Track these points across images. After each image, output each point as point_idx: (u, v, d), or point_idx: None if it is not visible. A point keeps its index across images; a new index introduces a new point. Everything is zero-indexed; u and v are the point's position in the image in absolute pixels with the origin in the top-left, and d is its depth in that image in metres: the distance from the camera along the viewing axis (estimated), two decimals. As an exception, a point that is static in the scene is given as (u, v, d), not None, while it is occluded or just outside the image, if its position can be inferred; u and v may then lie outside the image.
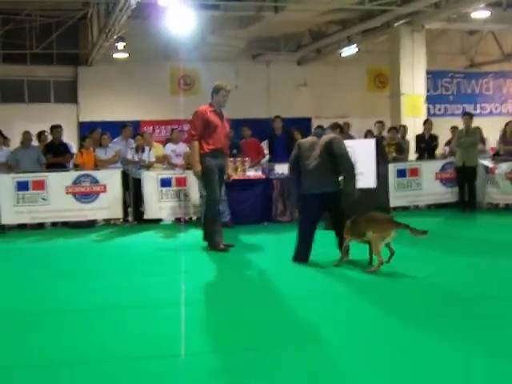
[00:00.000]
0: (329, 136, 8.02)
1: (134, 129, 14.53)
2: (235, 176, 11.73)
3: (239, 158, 12.58)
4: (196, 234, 11.19)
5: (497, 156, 14.38)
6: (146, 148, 13.34)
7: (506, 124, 14.88)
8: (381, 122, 15.41)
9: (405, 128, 15.40)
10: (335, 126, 8.75)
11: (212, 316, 5.61)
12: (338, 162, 7.83)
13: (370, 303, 5.88)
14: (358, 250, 7.73)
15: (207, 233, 9.21)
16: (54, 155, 13.32)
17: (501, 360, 4.23)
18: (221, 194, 9.41)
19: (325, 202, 7.92)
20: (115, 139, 13.73)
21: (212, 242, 9.07)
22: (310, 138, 8.30)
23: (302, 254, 7.98)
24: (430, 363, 4.18)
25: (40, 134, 13.94)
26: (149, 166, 13.22)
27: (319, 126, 9.16)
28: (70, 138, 16.18)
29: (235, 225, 11.68)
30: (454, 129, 14.93)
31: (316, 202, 8.00)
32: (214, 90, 9.11)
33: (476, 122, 14.10)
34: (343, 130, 8.66)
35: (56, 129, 13.60)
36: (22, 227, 12.76)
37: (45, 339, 5.01)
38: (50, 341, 4.96)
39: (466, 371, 4.04)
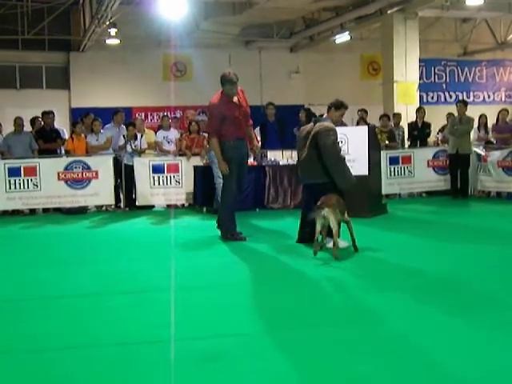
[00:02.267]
0: (319, 126, 7.97)
1: (126, 115, 14.46)
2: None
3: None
4: (188, 220, 11.23)
5: (490, 144, 14.38)
6: (138, 134, 13.30)
7: (499, 112, 14.91)
8: (363, 110, 15.29)
9: (399, 116, 15.35)
10: (339, 105, 8.40)
11: (203, 301, 5.60)
12: (322, 155, 7.81)
13: (364, 289, 5.89)
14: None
15: (223, 222, 8.93)
16: (46, 141, 13.27)
17: (498, 340, 4.26)
18: (244, 182, 9.19)
19: (314, 193, 7.90)
20: (107, 125, 13.67)
21: (228, 232, 8.83)
22: (308, 126, 8.29)
23: (300, 235, 8.22)
24: (430, 347, 4.21)
25: (33, 120, 13.85)
26: (141, 153, 13.19)
27: (321, 115, 9.07)
28: (62, 124, 16.11)
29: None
30: (449, 115, 14.91)
31: (308, 191, 8.05)
32: (221, 82, 8.66)
33: (469, 110, 14.09)
34: (346, 106, 8.43)
35: (47, 115, 13.54)
36: (15, 213, 12.70)
37: (34, 325, 4.99)
38: (40, 326, 4.95)
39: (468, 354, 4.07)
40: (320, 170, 7.86)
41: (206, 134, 10.58)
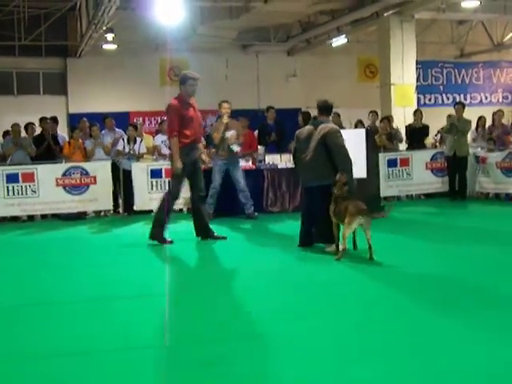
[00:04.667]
0: (326, 127, 7.97)
1: (123, 120, 14.47)
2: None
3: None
4: (186, 225, 11.21)
5: (491, 141, 14.24)
6: (138, 139, 13.32)
7: (494, 113, 14.95)
8: (374, 112, 15.40)
9: (391, 118, 15.35)
10: (327, 108, 8.34)
11: (197, 306, 5.60)
12: (333, 155, 7.83)
13: (362, 290, 5.89)
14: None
15: (156, 221, 8.99)
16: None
17: (498, 341, 4.27)
18: (201, 185, 9.22)
19: (319, 195, 7.91)
20: (102, 131, 13.67)
21: (155, 232, 8.92)
22: (307, 128, 8.28)
23: (301, 239, 8.24)
24: (428, 348, 4.23)
25: (27, 126, 13.78)
26: (139, 157, 13.19)
27: (314, 117, 9.08)
28: (60, 130, 16.06)
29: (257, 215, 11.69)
30: (449, 117, 14.91)
31: (312, 194, 8.04)
32: (181, 81, 8.92)
33: (466, 112, 14.10)
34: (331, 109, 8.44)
35: (43, 121, 13.55)
36: (13, 219, 12.67)
37: (29, 331, 5.00)
38: (35, 332, 4.95)
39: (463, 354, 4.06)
40: (328, 171, 7.86)
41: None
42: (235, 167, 11.61)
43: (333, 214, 7.63)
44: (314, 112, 9.60)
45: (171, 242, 8.95)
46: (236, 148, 11.49)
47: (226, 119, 11.49)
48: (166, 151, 13.63)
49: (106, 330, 4.93)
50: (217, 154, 11.62)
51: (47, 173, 12.51)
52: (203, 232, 9.17)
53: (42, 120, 13.62)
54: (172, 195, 9.01)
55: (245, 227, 10.77)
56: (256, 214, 11.65)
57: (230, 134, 11.45)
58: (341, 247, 7.35)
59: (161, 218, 8.96)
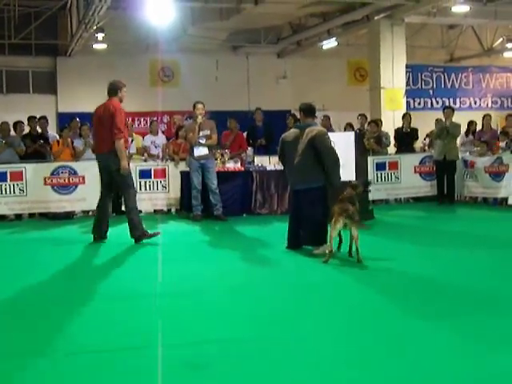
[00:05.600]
0: (313, 130, 7.99)
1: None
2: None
3: (219, 150, 12.57)
4: (175, 226, 11.21)
5: (483, 144, 14.24)
6: (129, 139, 13.26)
7: (483, 117, 15.02)
8: (363, 115, 15.44)
9: (379, 122, 15.39)
10: (311, 110, 8.36)
11: (189, 307, 5.60)
12: (323, 158, 7.85)
13: (347, 293, 5.90)
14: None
15: (137, 224, 9.18)
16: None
17: (486, 345, 4.28)
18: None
19: (308, 198, 7.94)
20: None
21: (137, 233, 9.15)
22: (293, 131, 8.30)
23: (289, 241, 8.26)
24: (420, 352, 4.26)
25: (16, 125, 13.72)
26: (129, 158, 13.14)
27: (297, 120, 9.11)
28: (49, 129, 16.00)
29: (226, 217, 11.68)
30: (437, 121, 14.98)
31: (300, 197, 8.06)
32: (117, 87, 9.22)
33: (456, 116, 14.15)
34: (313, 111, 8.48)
35: (33, 120, 13.50)
36: (1, 218, 12.61)
37: (17, 332, 4.97)
38: (26, 332, 4.93)
39: (453, 358, 4.07)
40: (317, 173, 7.90)
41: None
42: (208, 168, 11.61)
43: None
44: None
45: (159, 233, 9.32)
46: (202, 150, 11.50)
47: (200, 120, 11.63)
48: (155, 152, 13.65)
49: (95, 331, 4.92)
50: (191, 154, 11.66)
51: (35, 172, 12.47)
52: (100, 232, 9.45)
53: (31, 119, 13.57)
54: (135, 192, 9.39)
55: (232, 228, 10.76)
56: (226, 217, 11.68)
57: (201, 134, 11.51)
58: (328, 249, 7.35)
59: (135, 217, 9.16)
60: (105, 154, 9.15)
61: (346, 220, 7.15)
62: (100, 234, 9.43)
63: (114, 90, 9.18)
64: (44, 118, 14.06)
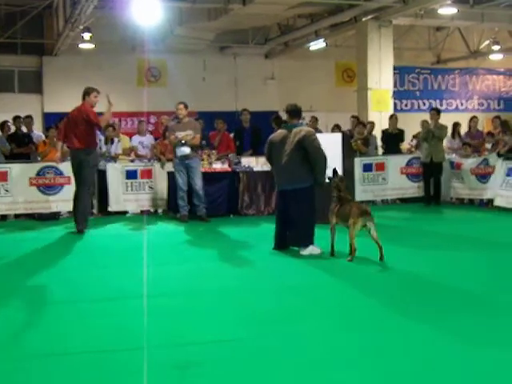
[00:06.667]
0: (300, 130, 8.00)
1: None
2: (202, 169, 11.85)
3: (206, 151, 12.54)
4: (162, 227, 11.17)
5: (467, 146, 14.30)
6: (115, 139, 13.24)
7: (470, 119, 15.07)
8: (355, 117, 15.47)
9: (372, 124, 15.47)
10: (297, 111, 8.39)
11: (175, 309, 5.57)
12: (311, 158, 7.86)
13: (335, 294, 5.89)
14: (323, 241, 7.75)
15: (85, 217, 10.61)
16: (18, 146, 13.13)
17: (473, 344, 4.30)
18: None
19: (295, 198, 7.94)
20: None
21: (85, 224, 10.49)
22: (280, 132, 8.29)
23: (276, 242, 8.26)
24: (413, 350, 4.29)
25: (3, 125, 13.66)
26: (115, 158, 13.10)
27: (284, 121, 9.09)
28: (35, 129, 15.92)
29: (210, 218, 11.64)
30: (423, 123, 15.03)
31: (287, 197, 8.05)
32: (90, 90, 10.69)
33: (442, 118, 14.19)
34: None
35: (18, 119, 13.42)
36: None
37: (7, 333, 4.93)
38: (10, 335, 4.88)
39: (443, 357, 4.07)
40: (304, 174, 7.92)
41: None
42: (192, 168, 11.57)
43: (335, 215, 7.67)
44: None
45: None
46: (184, 150, 11.47)
47: (185, 120, 11.70)
48: (143, 152, 13.61)
49: (82, 332, 4.90)
50: (175, 155, 11.64)
51: (21, 172, 12.37)
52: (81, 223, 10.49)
53: (16, 119, 13.48)
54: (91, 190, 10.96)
55: (219, 229, 10.73)
56: (209, 218, 11.66)
57: (183, 134, 11.47)
58: (352, 248, 7.40)
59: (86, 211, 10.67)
60: (78, 150, 10.38)
61: (366, 221, 7.26)
62: (81, 226, 10.39)
63: (84, 94, 10.67)
64: (29, 117, 14.01)
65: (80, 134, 10.40)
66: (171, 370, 4.05)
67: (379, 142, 15.20)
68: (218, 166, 12.56)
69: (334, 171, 8.03)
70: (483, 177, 13.14)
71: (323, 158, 7.92)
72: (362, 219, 7.28)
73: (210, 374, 3.98)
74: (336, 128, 14.75)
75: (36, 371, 4.11)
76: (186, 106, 11.71)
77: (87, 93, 10.63)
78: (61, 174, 12.52)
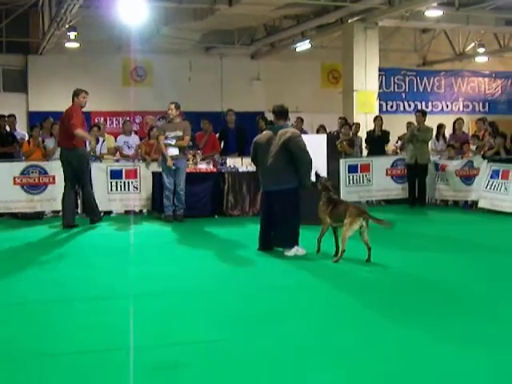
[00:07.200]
0: (286, 132, 8.01)
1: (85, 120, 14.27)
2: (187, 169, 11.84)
3: (191, 151, 12.52)
4: (146, 227, 11.15)
5: (451, 148, 14.34)
6: (100, 139, 13.19)
7: (455, 121, 15.14)
8: (343, 118, 15.50)
9: (357, 125, 15.52)
10: (284, 112, 8.36)
11: (162, 308, 5.56)
12: (296, 159, 7.87)
13: (319, 296, 5.89)
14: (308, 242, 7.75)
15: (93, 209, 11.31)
16: (2, 145, 13.05)
17: (461, 344, 4.31)
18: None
19: (280, 199, 7.95)
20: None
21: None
22: (265, 134, 8.30)
23: (261, 243, 8.27)
24: (398, 350, 4.31)
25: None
26: (100, 158, 13.05)
27: (271, 122, 9.11)
28: (20, 128, 15.83)
29: (186, 218, 11.61)
30: (409, 124, 15.08)
31: (272, 198, 8.05)
32: (79, 91, 10.85)
33: (427, 120, 14.25)
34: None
35: (1, 118, 13.34)
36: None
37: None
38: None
39: (430, 355, 4.08)
40: (289, 175, 7.93)
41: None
42: (177, 168, 11.55)
43: (327, 216, 7.67)
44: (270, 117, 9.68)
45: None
46: (172, 151, 11.46)
47: (176, 120, 11.68)
48: (128, 152, 13.56)
49: (67, 332, 4.88)
50: (163, 155, 11.63)
51: (4, 171, 12.28)
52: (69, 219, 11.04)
53: (0, 118, 13.40)
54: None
55: (204, 230, 10.72)
56: (185, 219, 11.64)
57: (172, 134, 11.47)
58: (341, 249, 7.42)
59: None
60: (66, 149, 10.90)
61: (364, 222, 7.29)
62: (69, 221, 10.94)
63: (73, 95, 10.88)
64: (13, 115, 13.93)
65: (65, 133, 10.81)
66: (158, 370, 4.05)
67: (363, 144, 15.24)
68: (203, 167, 12.54)
69: (317, 174, 8.06)
70: (468, 179, 13.20)
71: (308, 160, 7.93)
72: (361, 219, 7.30)
73: (196, 375, 3.98)
74: (321, 129, 14.76)
75: (19, 371, 4.08)
76: (177, 107, 11.68)
77: (76, 94, 10.86)
78: (45, 173, 12.45)
